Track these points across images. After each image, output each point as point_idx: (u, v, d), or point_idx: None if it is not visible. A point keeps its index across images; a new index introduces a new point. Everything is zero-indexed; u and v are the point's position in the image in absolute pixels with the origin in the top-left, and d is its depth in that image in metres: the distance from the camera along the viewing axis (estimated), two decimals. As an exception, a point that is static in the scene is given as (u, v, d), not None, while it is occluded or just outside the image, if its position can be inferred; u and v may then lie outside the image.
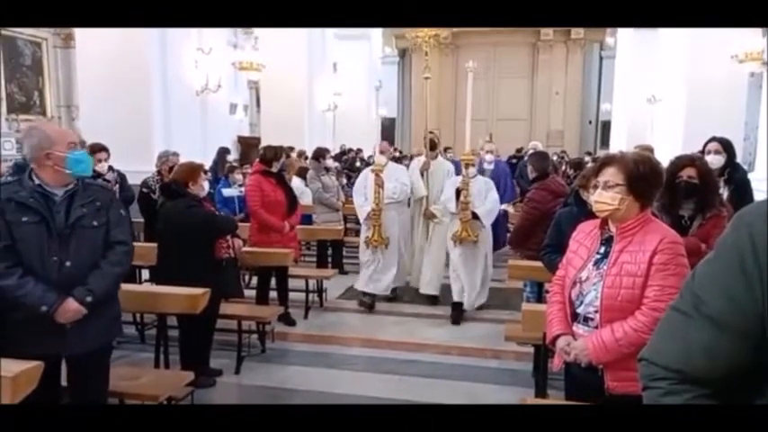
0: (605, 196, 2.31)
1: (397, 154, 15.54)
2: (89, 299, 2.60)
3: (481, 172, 6.57)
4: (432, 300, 6.11)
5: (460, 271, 5.59)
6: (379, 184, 5.70)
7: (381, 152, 6.09)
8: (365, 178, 6.09)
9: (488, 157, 7.86)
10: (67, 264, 2.57)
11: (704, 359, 0.95)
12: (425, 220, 6.25)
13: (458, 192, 5.43)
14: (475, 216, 5.40)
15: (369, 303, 6.00)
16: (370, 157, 12.48)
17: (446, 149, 11.76)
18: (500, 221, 6.94)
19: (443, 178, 6.14)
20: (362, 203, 5.97)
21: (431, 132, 6.34)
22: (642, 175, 2.26)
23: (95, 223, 2.65)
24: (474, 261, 5.60)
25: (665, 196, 3.03)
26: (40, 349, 2.48)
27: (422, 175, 6.21)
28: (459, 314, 5.63)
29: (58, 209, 2.56)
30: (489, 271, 5.82)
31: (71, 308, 2.56)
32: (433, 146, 6.40)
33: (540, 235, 3.93)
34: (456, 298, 5.64)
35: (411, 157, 11.59)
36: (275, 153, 5.54)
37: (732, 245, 0.93)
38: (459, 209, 5.40)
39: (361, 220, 6.04)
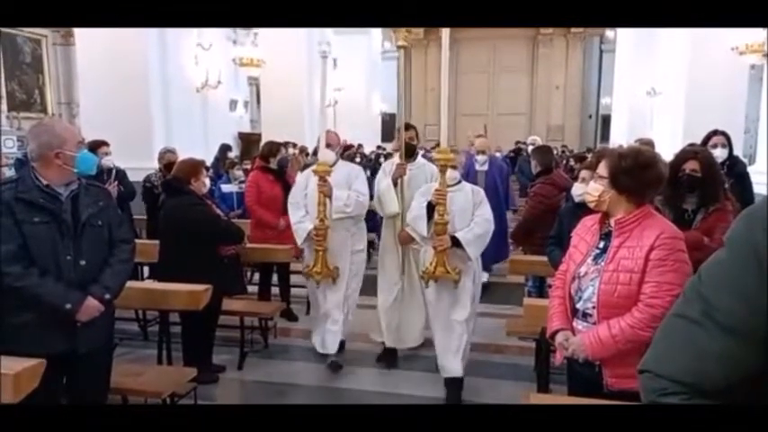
0: (592, 188, 2.38)
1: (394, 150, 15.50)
2: (107, 296, 2.67)
3: (466, 176, 5.02)
4: (388, 354, 4.54)
5: (433, 323, 4.05)
6: (325, 193, 4.09)
7: (329, 145, 4.34)
8: (306, 182, 4.40)
9: (480, 157, 6.28)
10: (82, 262, 2.60)
11: (720, 370, 0.88)
12: (402, 246, 4.42)
13: (431, 207, 3.77)
14: (456, 243, 3.75)
15: (337, 363, 4.41)
16: (372, 152, 12.45)
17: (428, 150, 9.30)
18: (501, 227, 5.54)
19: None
20: (301, 218, 4.30)
21: (408, 127, 4.63)
22: (624, 170, 2.26)
23: (100, 222, 2.70)
24: (452, 310, 3.92)
25: (667, 190, 3.02)
26: (53, 347, 2.50)
27: (395, 184, 4.38)
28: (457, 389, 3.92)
29: (65, 208, 2.58)
30: (470, 327, 3.99)
31: (92, 305, 2.61)
32: (410, 148, 4.55)
33: (546, 229, 3.94)
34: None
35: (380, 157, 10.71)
36: (270, 149, 5.55)
37: (745, 243, 0.86)
38: (432, 232, 3.76)
39: (299, 243, 4.39)
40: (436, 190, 3.68)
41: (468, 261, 3.85)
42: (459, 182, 3.99)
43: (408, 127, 4.65)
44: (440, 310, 3.96)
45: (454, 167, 3.89)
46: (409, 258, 4.45)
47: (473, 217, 3.86)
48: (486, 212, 3.89)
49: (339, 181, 4.24)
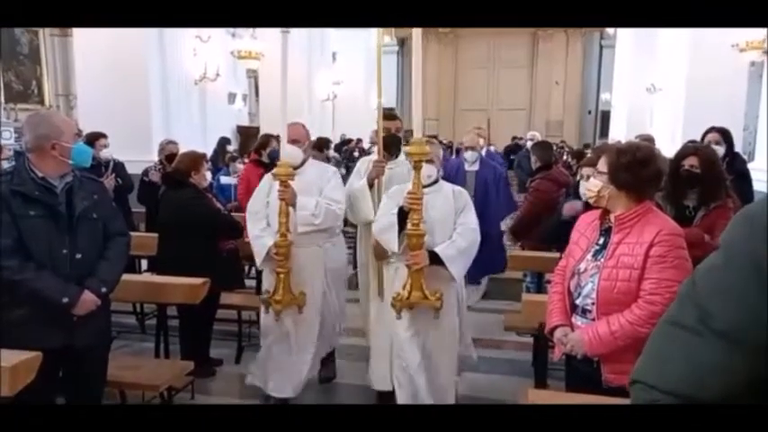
0: (591, 183, 2.38)
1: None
2: (103, 289, 2.65)
3: (450, 177, 4.14)
4: (383, 399, 3.63)
5: (409, 363, 3.16)
6: (288, 201, 3.27)
7: (293, 141, 3.55)
8: (268, 188, 3.56)
9: (469, 155, 5.49)
10: (78, 256, 2.59)
11: (720, 382, 0.83)
12: (376, 260, 3.55)
13: (404, 214, 3.00)
14: (436, 259, 3.00)
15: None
16: (369, 147, 12.41)
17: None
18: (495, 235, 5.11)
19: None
20: (261, 233, 3.48)
21: (389, 115, 3.86)
22: (623, 166, 2.26)
23: (95, 215, 2.68)
24: (437, 346, 3.20)
25: (668, 185, 3.02)
26: (50, 342, 2.49)
27: (370, 186, 3.67)
28: None
29: (60, 201, 2.56)
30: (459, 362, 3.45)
31: (89, 299, 2.59)
32: (393, 142, 3.80)
33: (545, 225, 3.94)
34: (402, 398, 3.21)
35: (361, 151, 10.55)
36: (261, 142, 5.55)
37: (743, 246, 0.81)
38: (404, 246, 3.03)
39: (258, 264, 3.59)
40: (409, 192, 2.92)
41: (452, 282, 3.15)
42: (437, 181, 3.26)
43: (391, 116, 3.90)
44: (417, 348, 3.15)
45: (430, 162, 3.11)
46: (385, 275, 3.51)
47: (455, 226, 3.15)
48: (471, 221, 3.18)
49: (308, 185, 3.45)
